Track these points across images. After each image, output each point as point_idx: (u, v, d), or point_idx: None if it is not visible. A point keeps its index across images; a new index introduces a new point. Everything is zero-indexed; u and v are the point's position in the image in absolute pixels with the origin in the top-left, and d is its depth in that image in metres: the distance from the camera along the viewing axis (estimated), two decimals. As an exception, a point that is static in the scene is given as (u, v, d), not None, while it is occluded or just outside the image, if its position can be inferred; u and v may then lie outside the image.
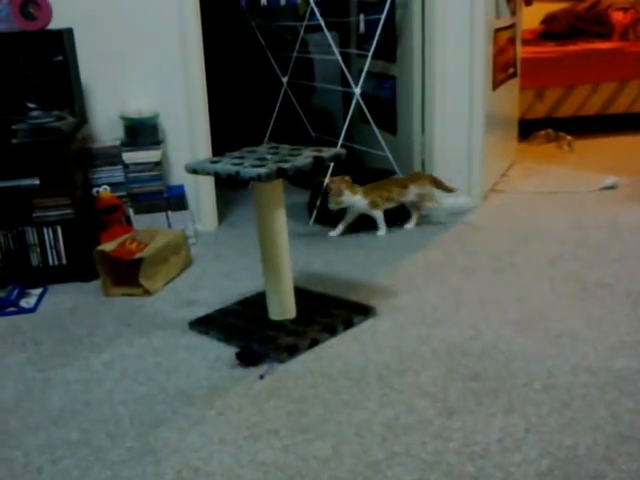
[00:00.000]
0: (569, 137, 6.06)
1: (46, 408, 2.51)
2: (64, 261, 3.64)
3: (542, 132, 6.25)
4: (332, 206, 4.02)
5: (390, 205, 4.16)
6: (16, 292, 3.44)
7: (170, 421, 2.39)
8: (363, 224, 4.16)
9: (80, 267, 3.63)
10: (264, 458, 2.16)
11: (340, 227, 4.17)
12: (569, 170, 5.35)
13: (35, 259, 3.62)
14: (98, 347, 2.95)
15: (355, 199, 4.04)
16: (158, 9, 4.05)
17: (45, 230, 3.60)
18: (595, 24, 7.13)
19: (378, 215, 4.14)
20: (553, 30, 7.45)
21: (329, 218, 4.25)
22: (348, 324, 2.97)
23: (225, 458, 2.17)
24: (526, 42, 6.28)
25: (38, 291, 3.53)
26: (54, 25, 3.78)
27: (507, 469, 2.04)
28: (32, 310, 3.35)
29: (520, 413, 2.30)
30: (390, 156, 4.53)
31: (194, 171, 2.88)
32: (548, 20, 7.65)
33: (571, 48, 6.67)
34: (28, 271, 3.63)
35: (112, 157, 4.04)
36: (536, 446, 2.13)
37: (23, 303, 3.41)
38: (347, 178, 4.06)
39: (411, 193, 4.16)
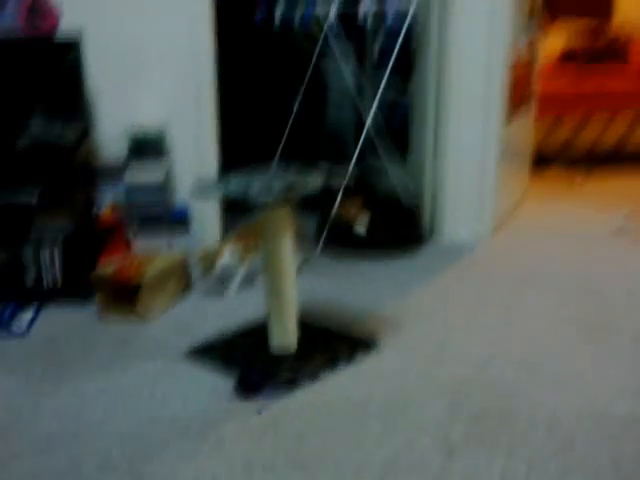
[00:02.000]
0: (583, 172, 6.01)
1: (35, 435, 2.45)
2: (60, 280, 3.57)
3: (556, 165, 6.21)
4: (206, 273, 3.69)
5: (255, 254, 3.71)
6: (9, 312, 3.38)
7: (162, 453, 2.33)
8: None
9: (77, 287, 3.56)
10: (258, 495, 2.11)
11: (236, 284, 3.70)
12: (582, 205, 5.30)
13: (31, 277, 3.56)
14: (91, 373, 2.88)
15: (228, 255, 3.66)
16: (170, 22, 4.01)
17: (43, 247, 3.54)
18: (614, 58, 7.10)
19: (240, 272, 3.70)
20: (572, 62, 7.41)
21: (336, 247, 4.21)
22: (350, 358, 2.91)
23: (218, 494, 2.12)
24: (544, 73, 6.23)
25: (32, 310, 3.46)
26: (62, 33, 3.76)
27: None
28: (24, 332, 3.28)
29: (522, 455, 2.26)
30: (400, 183, 4.48)
31: (199, 195, 2.84)
32: (567, 53, 7.61)
33: (588, 81, 6.61)
34: (23, 289, 3.56)
35: (115, 174, 3.99)
36: (537, 489, 2.09)
37: (15, 323, 3.34)
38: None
39: None
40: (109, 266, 3.48)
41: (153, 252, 3.74)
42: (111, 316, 3.40)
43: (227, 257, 3.65)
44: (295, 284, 2.91)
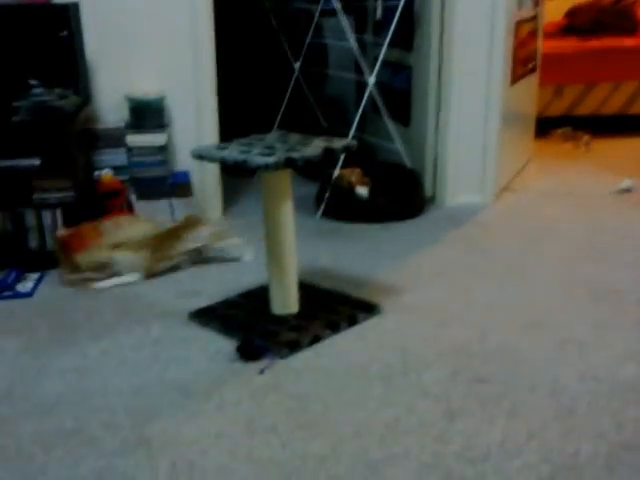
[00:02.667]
0: (587, 136, 5.95)
1: (40, 396, 2.47)
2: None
3: (560, 130, 6.14)
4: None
5: (168, 265, 3.51)
6: (13, 276, 3.39)
7: (166, 413, 2.34)
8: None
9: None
10: (260, 454, 2.13)
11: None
12: (586, 170, 5.26)
13: (33, 242, 3.56)
14: (95, 335, 2.90)
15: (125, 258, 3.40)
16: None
17: (44, 213, 3.53)
18: (619, 19, 6.97)
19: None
20: (576, 24, 7.26)
21: (338, 212, 4.19)
22: (352, 321, 2.92)
23: (221, 453, 2.14)
24: (548, 36, 6.11)
25: (35, 275, 3.47)
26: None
27: (507, 474, 2.01)
28: (29, 295, 3.29)
29: (523, 418, 2.27)
30: (402, 149, 4.46)
31: (200, 157, 2.83)
32: (572, 13, 7.44)
33: (593, 44, 6.48)
34: (26, 254, 3.56)
35: (116, 139, 3.97)
36: (537, 452, 2.10)
37: (19, 287, 3.35)
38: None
39: (199, 238, 3.55)
40: (72, 229, 3.48)
41: (131, 218, 3.73)
42: (71, 277, 3.38)
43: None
44: (295, 247, 2.90)
